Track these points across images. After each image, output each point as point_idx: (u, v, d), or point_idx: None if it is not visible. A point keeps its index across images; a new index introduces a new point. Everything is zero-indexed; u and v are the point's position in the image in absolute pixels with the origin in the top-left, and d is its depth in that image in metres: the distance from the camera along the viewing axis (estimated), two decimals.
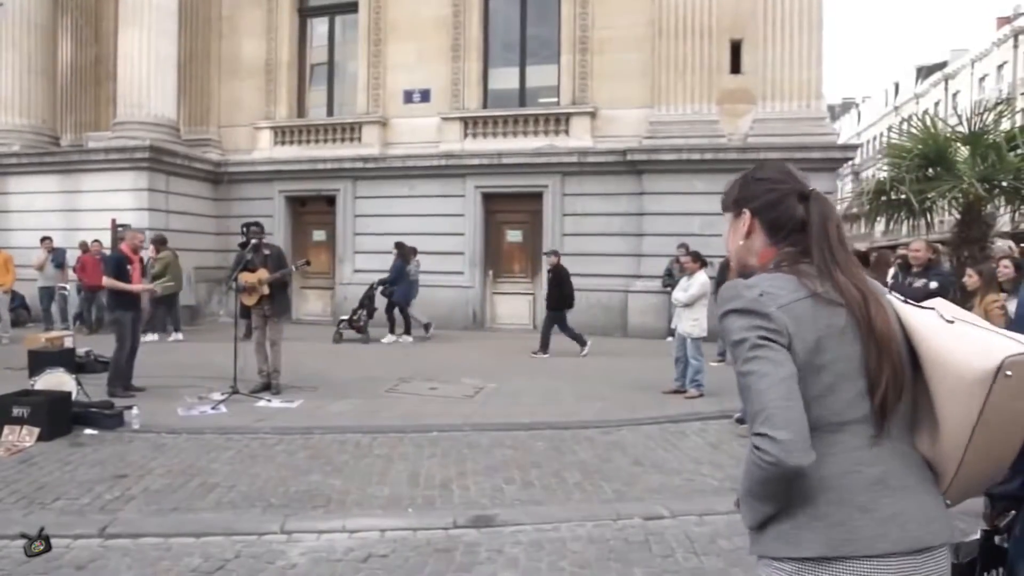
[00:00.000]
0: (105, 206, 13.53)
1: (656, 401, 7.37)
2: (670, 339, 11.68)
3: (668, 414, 6.77)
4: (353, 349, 11.30)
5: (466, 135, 14.28)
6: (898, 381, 1.21)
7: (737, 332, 1.23)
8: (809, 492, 1.18)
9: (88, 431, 5.88)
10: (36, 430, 5.56)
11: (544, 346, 10.73)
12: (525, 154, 13.67)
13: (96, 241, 12.55)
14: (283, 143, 15.50)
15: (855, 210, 9.95)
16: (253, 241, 7.67)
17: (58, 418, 5.79)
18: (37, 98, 15.35)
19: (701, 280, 7.65)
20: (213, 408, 6.80)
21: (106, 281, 7.54)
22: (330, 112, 15.76)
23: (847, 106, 54.98)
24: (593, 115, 13.60)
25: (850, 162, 17.94)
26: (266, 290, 7.48)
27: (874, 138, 43.75)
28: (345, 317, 12.27)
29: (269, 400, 7.18)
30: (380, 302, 12.43)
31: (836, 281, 1.24)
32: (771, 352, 1.18)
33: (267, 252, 7.69)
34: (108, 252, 12.63)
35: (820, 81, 12.65)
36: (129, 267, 7.57)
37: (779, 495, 1.18)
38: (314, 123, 15.43)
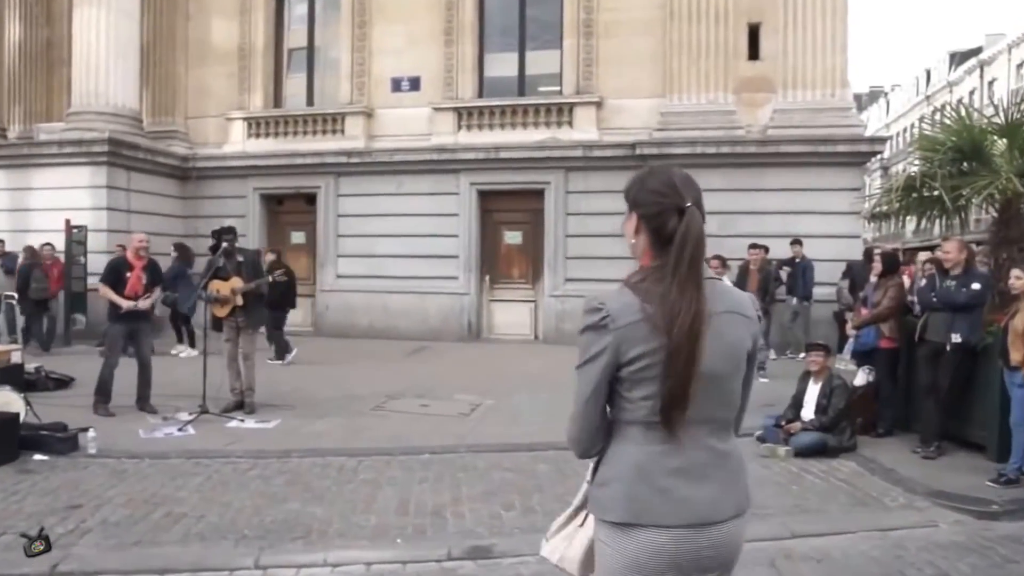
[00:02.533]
0: (58, 205, 13.40)
1: None
2: None
3: None
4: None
5: (460, 127, 14.28)
6: (683, 385, 1.57)
7: (582, 343, 1.67)
8: (623, 473, 1.65)
9: (38, 456, 5.79)
10: None
11: (280, 352, 10.99)
12: (525, 148, 13.68)
13: (48, 244, 12.45)
14: (258, 136, 15.46)
15: (884, 208, 9.92)
16: (224, 246, 7.63)
17: (4, 442, 5.71)
18: None
19: None
20: (180, 430, 6.73)
21: (101, 288, 7.46)
22: (310, 102, 15.75)
23: (875, 95, 55.34)
24: (599, 105, 13.62)
25: (878, 156, 17.95)
26: (240, 300, 7.46)
27: (904, 130, 44.00)
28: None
29: (242, 420, 7.13)
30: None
31: (670, 298, 1.59)
32: (593, 370, 1.64)
33: (241, 259, 7.68)
34: (61, 256, 12.62)
35: (845, 68, 12.71)
36: (128, 274, 7.50)
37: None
38: (292, 114, 15.40)
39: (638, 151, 12.93)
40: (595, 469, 1.73)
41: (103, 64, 13.66)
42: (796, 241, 11.74)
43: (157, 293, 7.91)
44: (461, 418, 7.49)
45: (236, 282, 7.48)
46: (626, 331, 1.60)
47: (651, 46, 13.25)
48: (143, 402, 7.54)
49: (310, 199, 15.19)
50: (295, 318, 15.15)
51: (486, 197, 14.26)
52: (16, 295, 11.68)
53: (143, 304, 7.50)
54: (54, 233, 12.88)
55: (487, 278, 14.31)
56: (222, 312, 7.58)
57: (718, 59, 12.88)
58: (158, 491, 5.06)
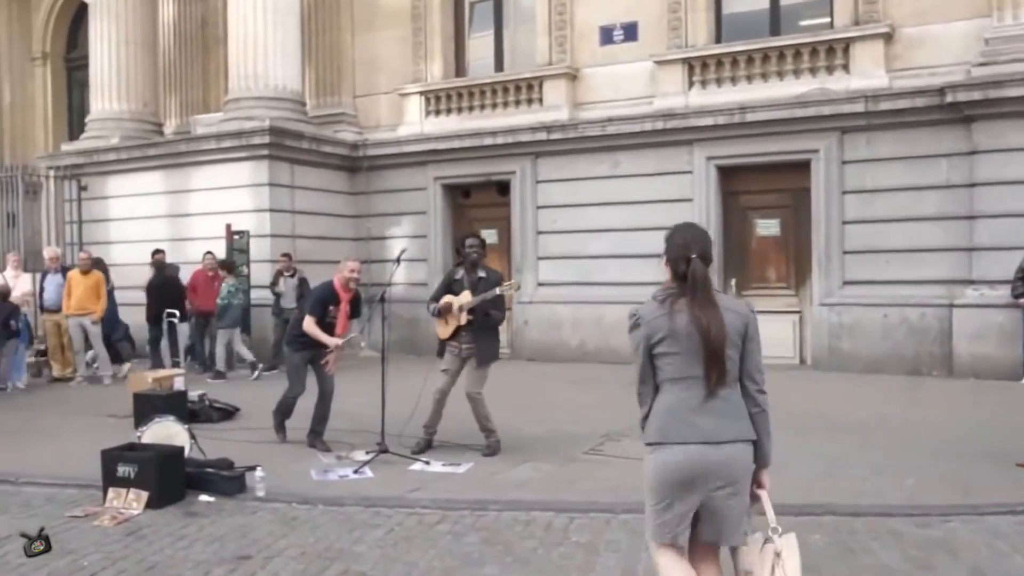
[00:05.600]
0: (218, 208, 15.14)
1: (1007, 478, 6.84)
2: None
3: None
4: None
5: (691, 84, 14.25)
6: (716, 364, 3.16)
7: (631, 339, 3.36)
8: (659, 411, 3.28)
9: (204, 497, 6.55)
10: (144, 494, 6.29)
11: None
12: (782, 106, 13.35)
13: (209, 253, 14.08)
14: (438, 113, 16.44)
15: None
16: (470, 254, 8.12)
17: (169, 480, 6.51)
18: (137, 76, 17.59)
19: None
20: (356, 471, 7.29)
21: (306, 323, 8.28)
22: (499, 67, 16.48)
23: None
24: (888, 38, 12.98)
25: None
26: (463, 319, 7.88)
27: None
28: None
29: (427, 463, 7.57)
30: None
31: (692, 308, 3.19)
32: (639, 355, 3.32)
33: (482, 275, 8.11)
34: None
35: None
36: (333, 308, 8.32)
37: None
38: (478, 83, 16.17)
39: (949, 98, 12.09)
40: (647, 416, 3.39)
41: (261, 38, 15.08)
42: None
43: (354, 328, 8.86)
44: None
45: (465, 296, 7.90)
46: (650, 323, 3.27)
47: None
48: (315, 437, 8.29)
49: (502, 188, 15.87)
50: None
51: (729, 175, 14.13)
52: (178, 313, 13.31)
53: (343, 342, 8.39)
54: (214, 240, 14.52)
55: (733, 282, 14.08)
56: (445, 332, 8.07)
57: None
58: (333, 544, 5.51)
